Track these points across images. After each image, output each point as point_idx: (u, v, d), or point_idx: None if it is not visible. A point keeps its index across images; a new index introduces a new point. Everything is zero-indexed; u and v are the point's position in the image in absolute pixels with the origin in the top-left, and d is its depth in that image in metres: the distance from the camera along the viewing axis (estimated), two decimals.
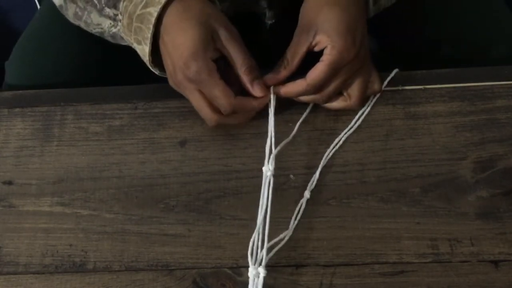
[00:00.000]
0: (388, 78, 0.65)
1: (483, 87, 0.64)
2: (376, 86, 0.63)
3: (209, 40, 0.57)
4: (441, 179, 0.59)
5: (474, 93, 0.64)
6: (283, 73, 0.60)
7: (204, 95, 0.59)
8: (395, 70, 0.65)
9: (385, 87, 0.64)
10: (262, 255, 0.54)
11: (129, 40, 0.62)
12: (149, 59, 0.60)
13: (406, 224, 0.57)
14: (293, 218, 0.57)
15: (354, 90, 0.61)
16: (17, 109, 0.66)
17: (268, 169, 0.57)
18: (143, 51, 0.60)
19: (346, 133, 0.62)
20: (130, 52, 0.63)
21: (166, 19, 0.58)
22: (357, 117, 0.63)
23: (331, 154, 0.61)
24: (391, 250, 0.56)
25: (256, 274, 0.53)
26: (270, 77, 0.60)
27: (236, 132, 0.63)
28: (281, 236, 0.56)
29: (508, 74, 0.64)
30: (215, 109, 0.60)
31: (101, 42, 0.67)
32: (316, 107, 0.64)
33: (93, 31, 0.67)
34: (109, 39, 0.66)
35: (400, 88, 0.64)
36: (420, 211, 0.57)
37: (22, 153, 0.64)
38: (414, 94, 0.64)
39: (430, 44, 0.76)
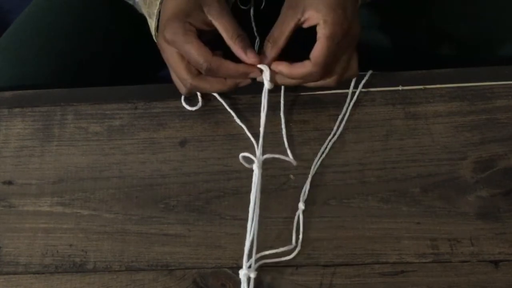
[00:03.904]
0: (363, 81, 0.65)
1: (483, 87, 0.64)
2: (352, 72, 0.61)
3: (196, 9, 0.58)
4: (441, 179, 0.59)
5: (474, 93, 0.64)
6: (270, 53, 0.58)
7: (182, 57, 0.59)
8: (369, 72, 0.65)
9: (385, 87, 0.64)
10: (252, 257, 0.54)
11: (143, 12, 0.63)
12: (155, 34, 0.62)
13: (406, 224, 0.57)
14: (294, 231, 0.57)
15: (336, 67, 0.59)
16: (17, 109, 0.66)
17: (257, 165, 0.57)
18: (151, 25, 0.62)
19: (334, 135, 0.62)
20: (113, 55, 0.64)
21: None
22: (342, 114, 0.63)
23: (324, 155, 0.61)
24: (391, 250, 0.56)
25: (246, 275, 0.53)
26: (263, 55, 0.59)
27: (236, 132, 0.63)
28: (288, 248, 0.56)
29: (508, 74, 0.64)
30: (191, 71, 0.59)
31: (87, 43, 0.67)
32: (317, 106, 0.64)
33: None
34: (137, 8, 0.68)
35: (400, 88, 0.64)
36: (420, 211, 0.57)
37: (22, 153, 0.64)
38: (414, 94, 0.64)
39: (434, 42, 0.76)
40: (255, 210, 0.55)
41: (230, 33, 0.58)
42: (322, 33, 0.56)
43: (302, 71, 0.58)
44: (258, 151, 0.58)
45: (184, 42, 0.57)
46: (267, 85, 0.60)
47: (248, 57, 0.58)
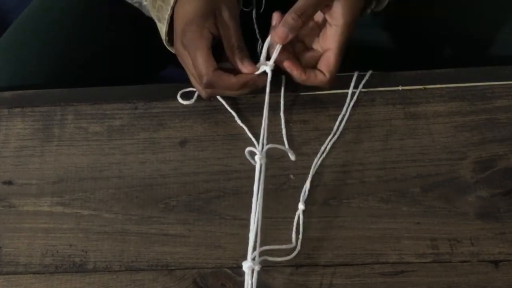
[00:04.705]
0: (364, 80, 0.65)
1: (483, 87, 0.64)
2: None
3: (211, 13, 0.58)
4: (441, 179, 0.59)
5: (474, 93, 0.64)
6: (295, 25, 0.57)
7: None
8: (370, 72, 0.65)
9: (385, 87, 0.64)
10: (256, 250, 0.54)
11: (152, 15, 0.63)
12: (166, 38, 0.62)
13: (406, 224, 0.57)
14: (294, 231, 0.57)
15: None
16: (17, 109, 0.66)
17: (260, 156, 0.57)
18: (161, 29, 0.62)
19: (334, 135, 0.62)
20: (113, 55, 0.63)
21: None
22: (343, 113, 0.63)
23: (324, 155, 0.61)
24: (391, 250, 0.56)
25: (250, 267, 0.53)
26: (282, 30, 0.58)
27: (236, 132, 0.63)
28: (288, 247, 0.56)
29: (508, 74, 0.64)
30: None
31: (87, 43, 0.67)
32: (317, 106, 0.64)
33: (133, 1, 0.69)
34: (144, 11, 0.68)
35: (400, 88, 0.64)
36: (420, 211, 0.57)
37: (22, 153, 0.64)
38: (414, 94, 0.64)
39: (434, 42, 0.76)
40: (259, 201, 0.55)
41: (231, 43, 0.59)
42: (337, 44, 0.58)
43: (315, 82, 0.60)
44: (260, 141, 0.58)
45: (195, 47, 0.58)
46: (268, 70, 0.59)
47: (245, 66, 0.59)
